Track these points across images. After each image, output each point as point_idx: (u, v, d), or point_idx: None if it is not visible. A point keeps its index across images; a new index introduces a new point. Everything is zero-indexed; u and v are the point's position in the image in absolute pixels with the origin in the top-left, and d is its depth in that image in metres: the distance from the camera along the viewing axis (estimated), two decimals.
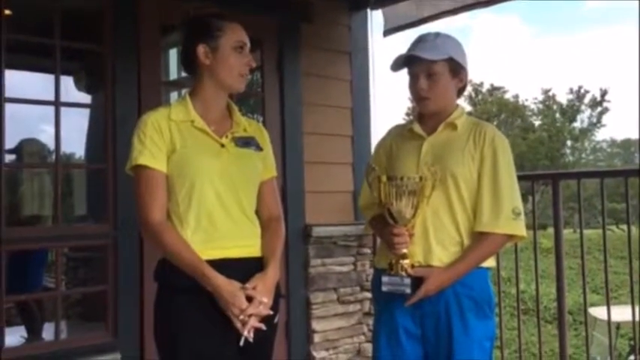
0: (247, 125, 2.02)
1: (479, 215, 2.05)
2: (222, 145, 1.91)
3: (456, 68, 2.12)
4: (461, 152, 2.08)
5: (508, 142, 2.15)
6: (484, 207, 2.04)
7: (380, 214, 2.14)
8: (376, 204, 2.14)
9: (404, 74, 2.18)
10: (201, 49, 1.90)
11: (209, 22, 1.92)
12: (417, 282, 2.03)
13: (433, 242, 2.06)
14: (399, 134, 2.27)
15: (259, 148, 2.01)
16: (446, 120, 2.14)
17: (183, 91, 3.88)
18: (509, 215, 2.03)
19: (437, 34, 2.14)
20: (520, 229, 2.06)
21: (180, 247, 1.81)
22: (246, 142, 1.97)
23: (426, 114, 2.19)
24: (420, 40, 2.14)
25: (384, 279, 2.07)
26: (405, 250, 2.04)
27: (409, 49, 2.14)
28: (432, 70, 2.09)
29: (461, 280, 2.04)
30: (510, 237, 2.09)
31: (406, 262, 2.04)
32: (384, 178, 2.05)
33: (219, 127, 1.94)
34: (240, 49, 1.93)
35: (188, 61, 1.96)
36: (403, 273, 2.03)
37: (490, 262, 2.13)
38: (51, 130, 3.24)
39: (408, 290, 2.02)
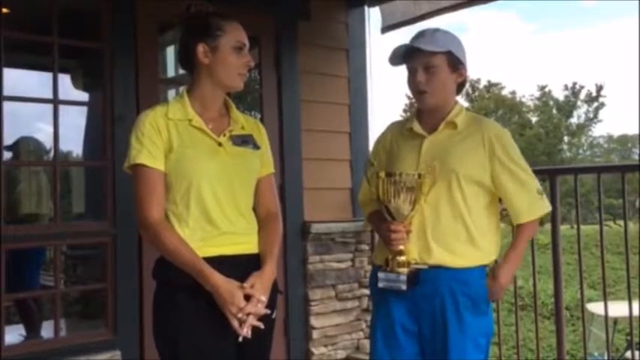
0: (245, 122, 2.02)
1: (513, 210, 2.12)
2: (220, 144, 1.91)
3: (455, 63, 2.12)
4: (462, 151, 2.09)
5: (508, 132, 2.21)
6: (516, 202, 2.11)
7: (378, 209, 2.15)
8: (375, 200, 2.14)
9: (401, 71, 2.18)
10: (200, 49, 1.90)
11: (210, 21, 1.91)
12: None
13: (431, 240, 2.07)
14: (398, 133, 2.26)
15: (257, 147, 2.01)
16: (446, 119, 2.14)
17: (181, 89, 3.89)
18: (537, 199, 2.13)
19: (436, 29, 2.15)
20: (546, 206, 2.17)
21: (179, 245, 1.81)
22: (244, 141, 1.97)
23: (425, 109, 2.19)
24: (419, 35, 2.14)
25: (380, 275, 2.08)
26: (401, 247, 2.05)
27: (409, 42, 2.14)
28: (430, 63, 2.09)
29: (457, 277, 2.05)
30: None
31: (402, 258, 2.05)
32: (382, 174, 2.06)
33: (216, 125, 1.94)
34: (240, 49, 1.93)
35: (186, 59, 1.95)
36: (401, 270, 2.04)
37: (488, 259, 2.15)
38: (47, 128, 3.24)
39: (404, 287, 2.03)
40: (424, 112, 2.20)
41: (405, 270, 2.04)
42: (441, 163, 2.06)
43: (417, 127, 2.18)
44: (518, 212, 2.12)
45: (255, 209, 2.01)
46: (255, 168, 2.00)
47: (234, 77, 1.94)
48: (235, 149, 1.94)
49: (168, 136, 1.87)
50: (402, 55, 2.15)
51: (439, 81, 2.11)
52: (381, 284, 2.07)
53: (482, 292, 2.11)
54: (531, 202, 2.11)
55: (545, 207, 2.16)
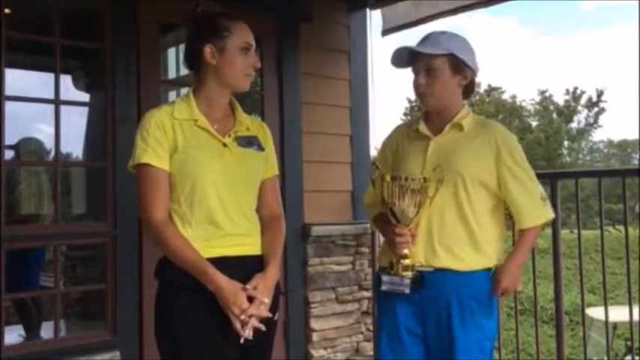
0: (250, 123, 2.02)
1: (518, 215, 2.14)
2: (225, 145, 1.90)
3: (458, 65, 2.12)
4: (468, 153, 2.09)
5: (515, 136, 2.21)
6: (521, 207, 2.12)
7: (384, 212, 2.15)
8: (380, 202, 2.14)
9: (403, 74, 2.20)
10: (207, 50, 1.89)
11: (216, 21, 1.91)
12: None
13: (437, 244, 2.07)
14: (405, 134, 2.27)
15: (261, 148, 2.01)
16: (452, 121, 2.14)
17: (182, 90, 3.89)
18: (541, 204, 2.13)
19: (443, 32, 2.15)
20: (550, 213, 2.17)
21: (182, 245, 1.81)
22: (249, 142, 1.97)
23: (428, 110, 2.20)
24: (424, 38, 2.16)
25: (384, 278, 2.08)
26: (406, 251, 2.05)
27: (411, 46, 2.15)
28: (431, 66, 2.10)
29: (462, 280, 2.05)
30: None
31: (407, 262, 2.05)
32: (387, 177, 2.05)
33: (222, 126, 1.94)
34: (247, 50, 1.93)
35: (193, 60, 1.95)
36: (405, 273, 2.04)
37: (492, 263, 2.14)
38: (47, 128, 3.24)
39: (407, 290, 2.03)
40: (431, 114, 2.21)
41: (409, 274, 2.04)
42: (447, 165, 2.06)
43: (423, 128, 2.18)
44: (522, 217, 2.13)
45: (258, 211, 2.01)
46: (260, 169, 1.99)
47: (240, 78, 1.94)
48: (240, 150, 1.93)
49: (173, 135, 1.87)
50: (408, 58, 2.15)
51: (440, 83, 2.11)
52: (384, 287, 2.07)
53: (487, 295, 2.12)
54: (535, 208, 2.12)
55: (548, 213, 2.16)
